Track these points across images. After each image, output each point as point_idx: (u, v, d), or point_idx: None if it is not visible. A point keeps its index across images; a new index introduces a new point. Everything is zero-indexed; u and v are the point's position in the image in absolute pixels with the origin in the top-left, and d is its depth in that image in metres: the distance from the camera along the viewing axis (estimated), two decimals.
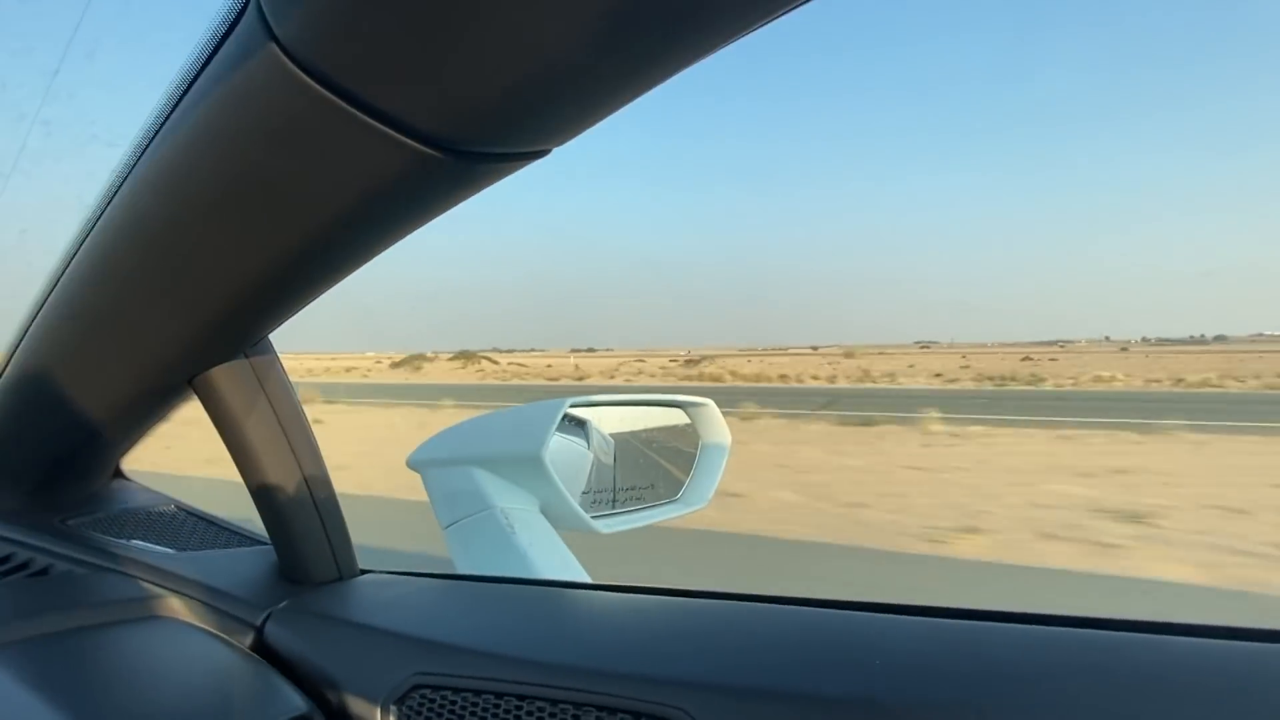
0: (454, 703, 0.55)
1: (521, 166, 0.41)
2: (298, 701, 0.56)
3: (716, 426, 1.12)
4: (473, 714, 0.55)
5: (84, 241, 0.57)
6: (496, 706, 0.54)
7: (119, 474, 0.93)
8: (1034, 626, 0.48)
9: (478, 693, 0.55)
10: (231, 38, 0.37)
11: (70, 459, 0.81)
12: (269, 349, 0.68)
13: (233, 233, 0.46)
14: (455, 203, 0.44)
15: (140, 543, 0.80)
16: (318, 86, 0.34)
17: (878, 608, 0.55)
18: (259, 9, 0.34)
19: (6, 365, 0.72)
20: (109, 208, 0.52)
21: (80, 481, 0.86)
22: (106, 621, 0.65)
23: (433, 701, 0.56)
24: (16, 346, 0.69)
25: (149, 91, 0.45)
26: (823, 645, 0.51)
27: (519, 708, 0.54)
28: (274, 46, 0.34)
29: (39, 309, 0.65)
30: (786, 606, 0.59)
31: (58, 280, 0.61)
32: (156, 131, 0.46)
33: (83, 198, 0.55)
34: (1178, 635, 0.44)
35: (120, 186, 0.50)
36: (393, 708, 0.57)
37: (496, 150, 0.39)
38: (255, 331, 0.62)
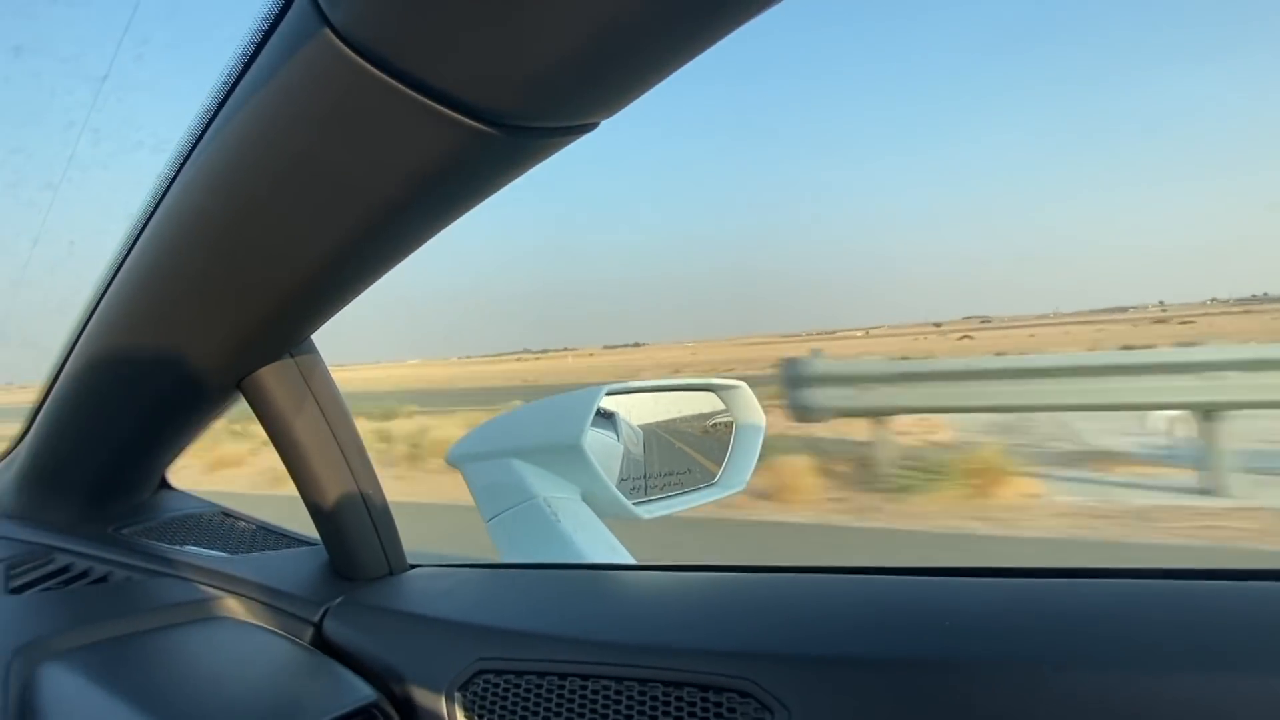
0: (518, 686, 0.56)
1: (572, 140, 0.41)
2: (366, 690, 0.57)
3: (750, 408, 1.12)
4: (537, 696, 0.55)
5: (131, 248, 0.57)
6: (560, 687, 0.55)
7: (165, 484, 0.94)
8: (1097, 580, 0.47)
9: (541, 675, 0.55)
10: (282, 28, 0.38)
11: (120, 470, 0.82)
12: (312, 348, 0.69)
13: (287, 225, 0.46)
14: (508, 180, 0.44)
15: (193, 548, 0.81)
16: (373, 69, 0.35)
17: (932, 571, 0.54)
18: None
19: (55, 380, 0.73)
20: (157, 212, 0.53)
21: (130, 492, 0.87)
22: (169, 624, 0.66)
23: (496, 686, 0.56)
24: (65, 360, 0.71)
25: (195, 93, 0.45)
26: (884, 610, 0.51)
27: (583, 687, 0.54)
28: (328, 32, 0.34)
29: (86, 321, 0.66)
30: (837, 576, 0.58)
31: (105, 290, 0.62)
32: (204, 130, 0.46)
33: (129, 205, 0.55)
34: (1243, 580, 0.44)
35: (168, 189, 0.51)
36: (457, 694, 0.57)
37: (549, 124, 0.39)
38: (305, 328, 0.62)
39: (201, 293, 0.55)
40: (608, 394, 0.93)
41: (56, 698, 0.53)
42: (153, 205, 0.53)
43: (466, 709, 0.57)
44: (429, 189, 0.42)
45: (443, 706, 0.57)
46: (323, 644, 0.66)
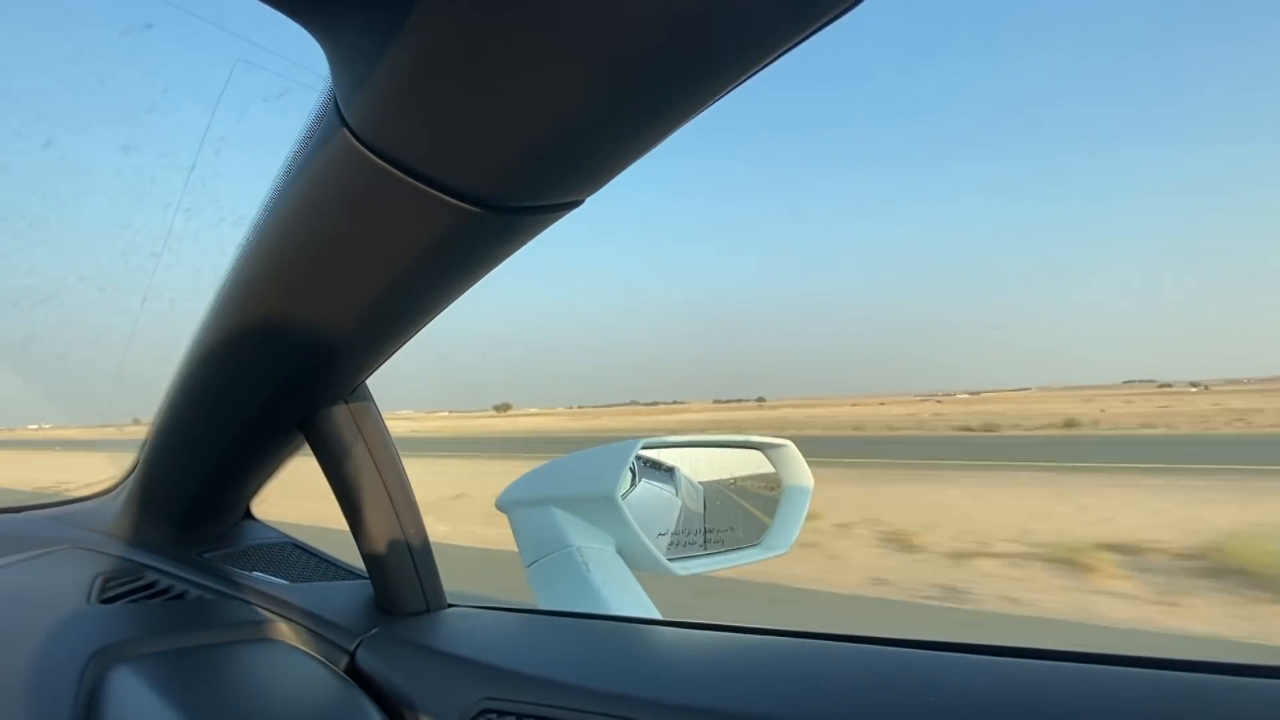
0: None
1: (559, 217, 0.46)
2: (373, 716, 0.61)
3: (798, 469, 1.11)
4: None
5: (215, 307, 0.67)
6: None
7: (248, 515, 1.04)
8: (1095, 666, 0.45)
9: (540, 719, 0.57)
10: (320, 129, 0.45)
11: (206, 500, 0.92)
12: (366, 396, 0.76)
13: (323, 289, 0.53)
14: (506, 254, 0.50)
15: (260, 574, 0.89)
16: (378, 160, 0.41)
17: (940, 646, 0.53)
18: (335, 102, 0.41)
19: (158, 419, 0.84)
20: (232, 276, 0.62)
21: (215, 521, 0.98)
22: (227, 641, 0.73)
23: None
24: (166, 401, 0.81)
25: (263, 178, 0.54)
26: (878, 682, 0.50)
27: None
28: (345, 131, 0.41)
29: (180, 368, 0.76)
30: (851, 645, 0.57)
31: (196, 342, 0.72)
32: (268, 210, 0.55)
33: (217, 269, 0.65)
34: (1244, 676, 0.40)
35: (240, 258, 0.60)
36: None
37: (532, 203, 0.43)
38: (351, 377, 0.70)
39: (265, 345, 0.63)
40: (644, 447, 0.96)
41: (120, 696, 0.60)
42: (231, 271, 0.62)
43: None
44: (433, 262, 0.48)
45: None
46: (354, 672, 0.71)
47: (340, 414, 0.73)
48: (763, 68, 0.35)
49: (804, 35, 0.33)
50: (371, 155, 0.41)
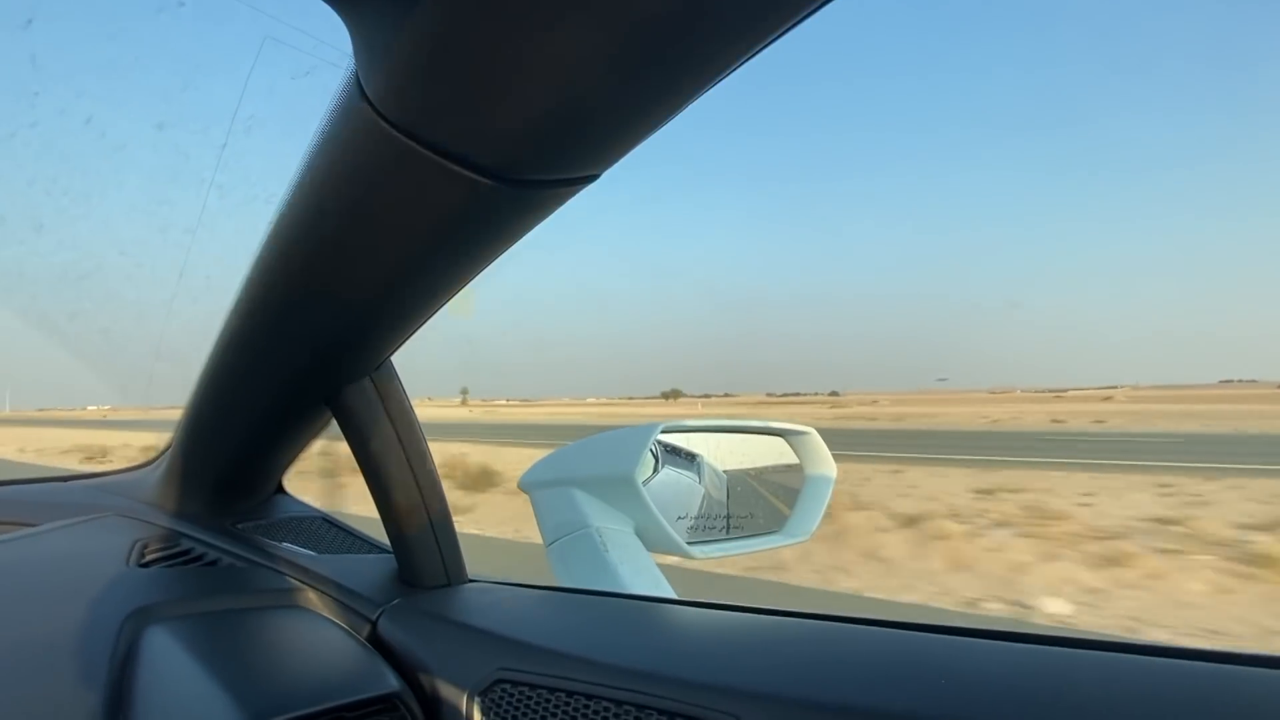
0: (530, 698, 0.59)
1: (575, 192, 0.46)
2: (391, 681, 0.63)
3: (820, 457, 1.10)
4: (546, 708, 0.58)
5: (245, 284, 0.69)
6: (567, 704, 0.57)
7: (280, 490, 1.08)
8: (1107, 654, 0.44)
9: (552, 690, 0.58)
10: (341, 104, 0.46)
11: (239, 473, 0.95)
12: (391, 373, 0.78)
13: (347, 264, 0.55)
14: (524, 229, 0.50)
15: (290, 545, 0.92)
16: (397, 134, 0.42)
17: (953, 630, 0.52)
18: (357, 77, 0.42)
19: (197, 393, 0.87)
20: (261, 254, 0.64)
21: (248, 494, 1.01)
22: (256, 606, 0.76)
23: (513, 695, 0.60)
24: (201, 378, 0.84)
25: (295, 154, 0.55)
26: (886, 664, 0.50)
27: (587, 706, 0.56)
28: (366, 105, 0.42)
29: (216, 343, 0.79)
30: (857, 626, 0.58)
31: (228, 319, 0.75)
32: (295, 187, 0.56)
33: (250, 246, 0.67)
34: (1263, 668, 0.39)
35: (269, 236, 0.62)
36: (478, 698, 0.61)
37: (547, 177, 0.44)
38: (377, 353, 0.71)
39: (293, 321, 0.65)
40: (664, 431, 0.96)
41: (154, 653, 0.63)
42: (260, 248, 0.64)
43: (484, 713, 0.61)
44: (453, 236, 0.49)
45: (463, 707, 0.61)
46: (376, 640, 0.73)
47: (366, 390, 0.75)
48: (776, 39, 0.35)
49: (815, 6, 0.33)
50: (391, 129, 0.42)
